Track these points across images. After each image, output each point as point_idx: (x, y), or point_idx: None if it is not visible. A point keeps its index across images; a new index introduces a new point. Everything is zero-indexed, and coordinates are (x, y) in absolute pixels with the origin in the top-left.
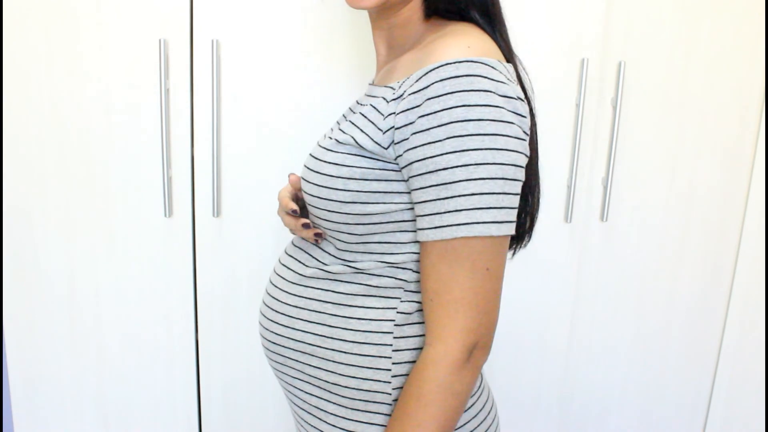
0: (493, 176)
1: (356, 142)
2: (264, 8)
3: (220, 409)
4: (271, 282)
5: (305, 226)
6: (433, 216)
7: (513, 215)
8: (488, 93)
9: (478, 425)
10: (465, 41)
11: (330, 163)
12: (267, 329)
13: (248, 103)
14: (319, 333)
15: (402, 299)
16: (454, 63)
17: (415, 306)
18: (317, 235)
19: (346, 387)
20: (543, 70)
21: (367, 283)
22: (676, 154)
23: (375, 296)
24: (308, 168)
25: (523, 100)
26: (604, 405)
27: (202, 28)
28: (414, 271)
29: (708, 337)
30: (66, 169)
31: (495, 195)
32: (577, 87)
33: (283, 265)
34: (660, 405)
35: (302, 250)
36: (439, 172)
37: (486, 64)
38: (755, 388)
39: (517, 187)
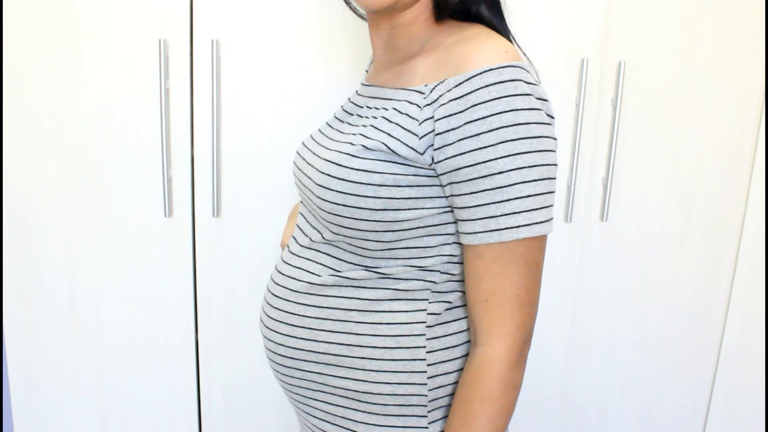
0: (543, 177)
1: (389, 148)
2: (264, 8)
3: (220, 409)
4: (273, 294)
5: None
6: (488, 219)
7: (553, 212)
8: (530, 97)
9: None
10: (500, 45)
11: (357, 170)
12: (279, 344)
13: (248, 103)
14: (345, 342)
15: (430, 300)
16: (498, 68)
17: (444, 306)
18: None
19: (378, 394)
20: (543, 70)
21: (394, 287)
22: (676, 154)
23: (402, 300)
24: (327, 175)
25: (550, 102)
26: (604, 405)
27: (202, 28)
28: (442, 273)
29: (708, 337)
30: (66, 169)
31: (545, 195)
32: (577, 87)
33: (286, 275)
34: (660, 405)
35: (307, 259)
36: (494, 176)
37: (524, 69)
38: (755, 388)
39: (555, 185)
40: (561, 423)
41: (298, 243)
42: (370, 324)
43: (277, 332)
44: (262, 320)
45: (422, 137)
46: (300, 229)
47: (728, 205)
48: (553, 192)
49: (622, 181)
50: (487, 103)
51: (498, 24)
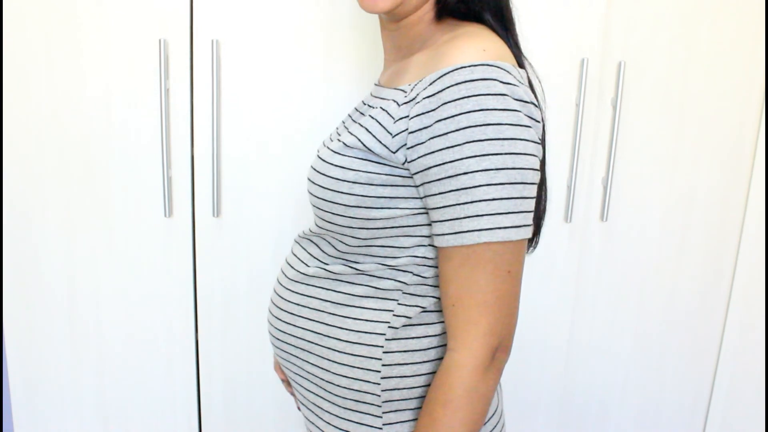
0: (513, 181)
1: (363, 145)
2: (264, 8)
3: (220, 409)
4: (278, 279)
5: None
6: (453, 221)
7: (530, 218)
8: (504, 97)
9: (493, 428)
10: (480, 44)
11: (336, 166)
12: (273, 325)
13: (248, 103)
14: (317, 331)
15: (399, 301)
16: (469, 66)
17: (416, 310)
18: None
19: (338, 386)
20: (543, 70)
21: (369, 284)
22: (676, 154)
23: (374, 298)
24: (314, 169)
25: (536, 105)
26: (604, 404)
27: (202, 28)
28: (414, 275)
29: (708, 337)
30: (66, 169)
31: (515, 199)
32: (577, 87)
33: (289, 263)
34: (660, 404)
35: (304, 249)
36: (459, 176)
37: (500, 68)
38: (755, 388)
39: (534, 191)
40: (561, 423)
41: (305, 233)
42: (340, 317)
43: (272, 314)
44: (269, 304)
45: (395, 135)
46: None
47: (728, 205)
48: (527, 198)
49: (622, 181)
50: (457, 101)
51: (497, 26)
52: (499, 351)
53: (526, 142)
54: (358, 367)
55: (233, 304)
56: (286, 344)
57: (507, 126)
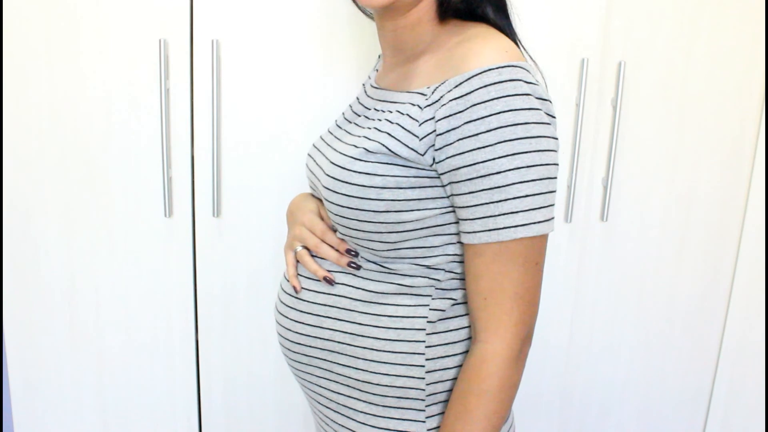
0: (542, 177)
1: (389, 150)
2: (264, 8)
3: (220, 409)
4: (287, 281)
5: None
6: (486, 219)
7: (554, 212)
8: (529, 97)
9: (510, 428)
10: (500, 45)
11: (360, 172)
12: (288, 329)
13: (248, 103)
14: (349, 331)
15: (433, 296)
16: (497, 68)
17: (447, 303)
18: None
19: (377, 384)
20: (543, 70)
21: (399, 282)
22: (676, 154)
23: (407, 294)
24: (332, 178)
25: (551, 102)
26: (605, 404)
27: (202, 28)
28: (447, 271)
29: (708, 337)
30: (66, 169)
31: (544, 195)
32: (577, 87)
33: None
34: (660, 404)
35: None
36: (491, 176)
37: (523, 68)
38: (755, 388)
39: (556, 185)
40: (561, 422)
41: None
42: (374, 315)
43: (287, 317)
44: (276, 306)
45: (423, 138)
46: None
47: (728, 205)
48: (553, 192)
49: (622, 181)
50: (486, 103)
51: (504, 24)
52: (526, 340)
53: (549, 139)
54: (400, 364)
55: (233, 304)
56: (307, 347)
57: (533, 125)
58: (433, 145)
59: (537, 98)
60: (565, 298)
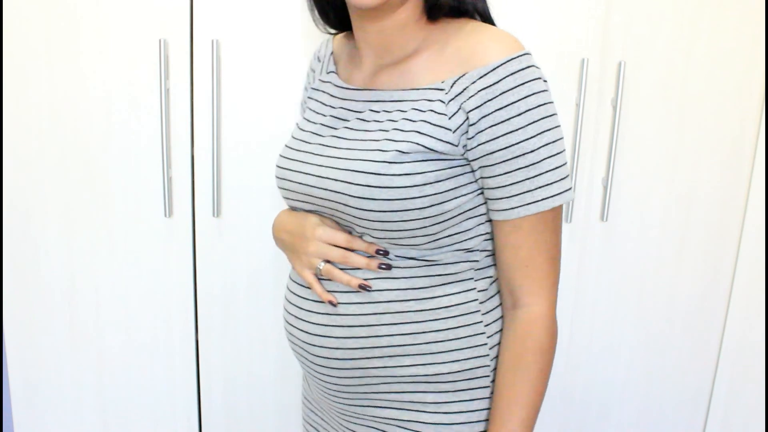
0: (561, 150)
1: (425, 147)
2: (264, 8)
3: (220, 409)
4: (312, 301)
5: (378, 253)
6: (524, 194)
7: None
8: (540, 80)
9: None
10: (510, 36)
11: (399, 174)
12: (336, 348)
13: (248, 103)
14: (407, 332)
15: (475, 279)
16: (516, 57)
17: (488, 282)
18: (382, 265)
19: (447, 373)
20: (543, 70)
21: (442, 272)
22: (676, 154)
23: (452, 282)
24: (369, 185)
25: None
26: (605, 404)
27: (202, 28)
28: (481, 251)
29: (708, 336)
30: (66, 169)
31: (565, 165)
32: (577, 87)
33: (326, 281)
34: (660, 404)
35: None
36: (526, 155)
37: (530, 55)
38: (755, 388)
39: None
40: (561, 422)
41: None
42: (429, 310)
43: (330, 337)
44: (299, 332)
45: (456, 130)
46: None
47: (728, 205)
48: (566, 162)
49: (622, 181)
50: (514, 89)
51: (489, 20)
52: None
53: (556, 116)
54: (465, 348)
55: (233, 304)
56: (363, 360)
57: (549, 104)
58: (466, 133)
59: (543, 81)
60: (565, 298)
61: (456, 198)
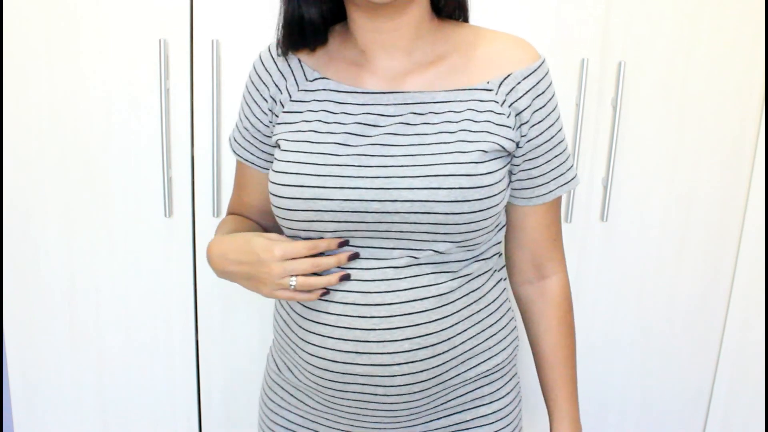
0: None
1: (501, 147)
2: (264, 8)
3: (220, 409)
4: (371, 332)
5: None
6: (559, 177)
7: None
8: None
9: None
10: (525, 39)
11: (484, 174)
12: (418, 372)
13: None
14: (476, 332)
15: (497, 268)
16: (544, 60)
17: (505, 269)
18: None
19: (501, 362)
20: None
21: (489, 268)
22: (676, 154)
23: (493, 275)
24: (461, 188)
25: None
26: (605, 404)
27: (202, 28)
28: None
29: (708, 336)
30: (66, 169)
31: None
32: (577, 87)
33: (389, 303)
34: (660, 404)
35: (413, 276)
36: (559, 143)
37: None
38: (755, 387)
39: None
40: None
41: (382, 268)
42: (486, 306)
43: (414, 362)
44: (367, 368)
45: (516, 128)
46: (374, 257)
47: (728, 205)
48: None
49: (622, 181)
50: (548, 88)
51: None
52: None
53: None
54: (509, 334)
55: (233, 304)
56: (444, 373)
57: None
58: (519, 129)
59: None
60: None
61: (506, 191)
